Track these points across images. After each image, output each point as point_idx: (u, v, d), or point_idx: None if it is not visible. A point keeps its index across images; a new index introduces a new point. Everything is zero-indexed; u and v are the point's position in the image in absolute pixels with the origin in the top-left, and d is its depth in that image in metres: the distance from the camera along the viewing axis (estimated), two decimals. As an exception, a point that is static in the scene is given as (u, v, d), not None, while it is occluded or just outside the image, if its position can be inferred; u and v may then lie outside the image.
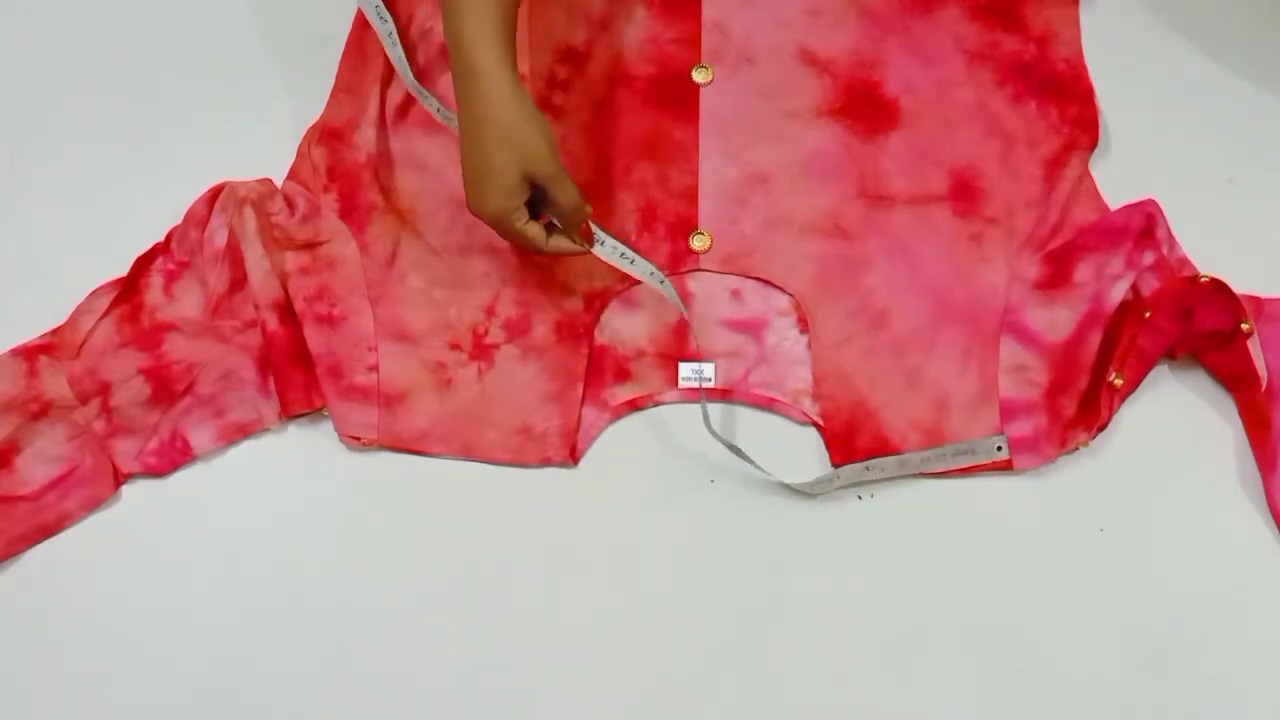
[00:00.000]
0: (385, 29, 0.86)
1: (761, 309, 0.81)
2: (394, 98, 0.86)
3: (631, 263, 0.77)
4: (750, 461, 0.74)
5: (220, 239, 0.79)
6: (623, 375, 0.79)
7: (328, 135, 0.85)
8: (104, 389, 0.77)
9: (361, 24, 0.89)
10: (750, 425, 0.77)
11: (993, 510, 0.75)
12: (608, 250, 0.77)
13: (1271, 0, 0.90)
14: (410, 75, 0.85)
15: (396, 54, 0.85)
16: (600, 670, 0.71)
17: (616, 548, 0.74)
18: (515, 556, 0.74)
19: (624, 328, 0.80)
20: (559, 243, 0.75)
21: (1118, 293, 0.77)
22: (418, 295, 0.81)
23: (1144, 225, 0.78)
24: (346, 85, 0.87)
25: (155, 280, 0.80)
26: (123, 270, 0.80)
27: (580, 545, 0.75)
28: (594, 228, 0.77)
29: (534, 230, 0.73)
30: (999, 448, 0.75)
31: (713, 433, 0.74)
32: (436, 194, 0.84)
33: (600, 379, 0.79)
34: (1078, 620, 0.72)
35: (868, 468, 0.75)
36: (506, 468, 0.77)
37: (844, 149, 0.84)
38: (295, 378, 0.77)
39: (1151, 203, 0.79)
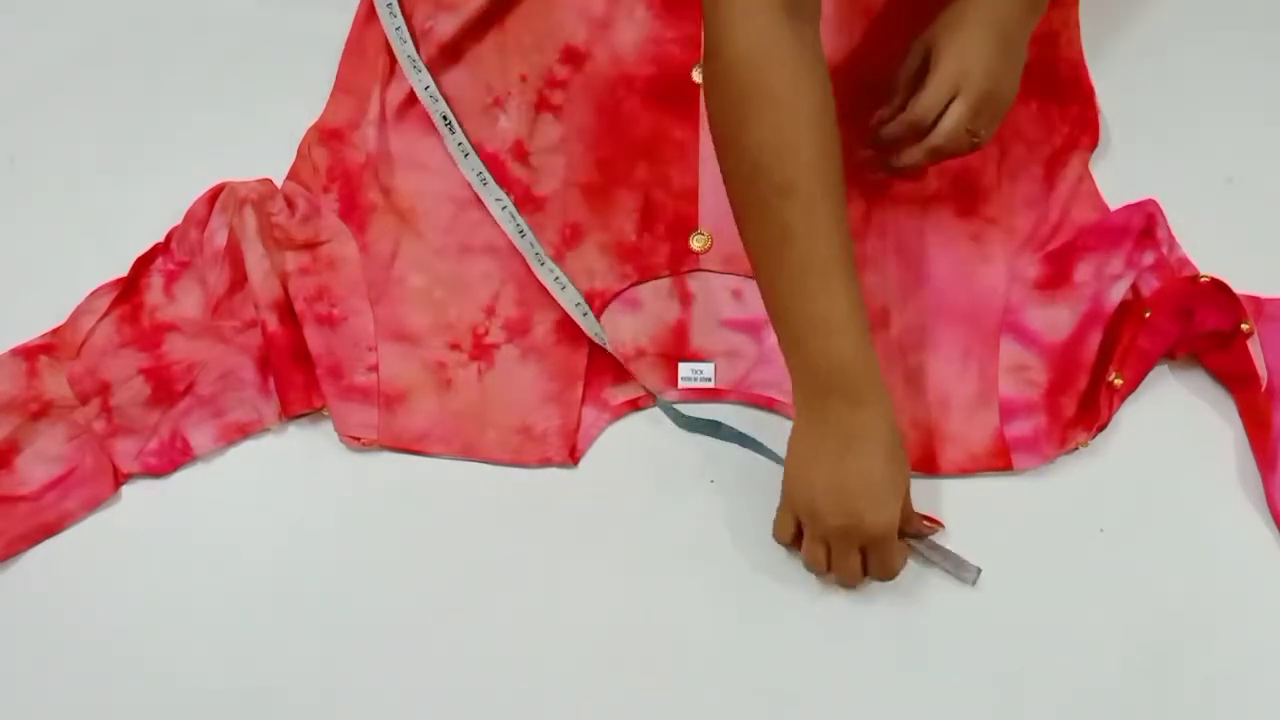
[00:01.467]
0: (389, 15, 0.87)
1: (761, 309, 0.80)
2: (394, 98, 0.86)
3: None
4: (734, 437, 0.74)
5: (220, 239, 0.79)
6: (623, 375, 0.79)
7: (328, 135, 0.85)
8: (104, 389, 0.77)
9: (362, 24, 0.89)
10: (749, 425, 0.77)
11: (993, 510, 0.75)
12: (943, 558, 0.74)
13: (1271, 0, 0.90)
14: (413, 49, 0.85)
15: (395, 23, 0.86)
16: (600, 670, 0.71)
17: (616, 548, 0.74)
18: (515, 556, 0.74)
19: (624, 327, 0.80)
20: (906, 552, 0.72)
21: (1118, 293, 0.77)
22: (418, 295, 0.81)
23: (1144, 225, 0.78)
24: (346, 85, 0.87)
25: (155, 280, 0.80)
26: (123, 270, 0.80)
27: (580, 545, 0.75)
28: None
29: (903, 546, 0.71)
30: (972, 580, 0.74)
31: (687, 424, 0.74)
32: (436, 194, 0.84)
33: (600, 379, 0.79)
34: (1078, 620, 0.72)
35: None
36: (506, 468, 0.77)
37: (845, 149, 0.84)
38: (295, 378, 0.77)
39: (1151, 203, 0.79)
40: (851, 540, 0.69)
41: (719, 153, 0.69)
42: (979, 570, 0.72)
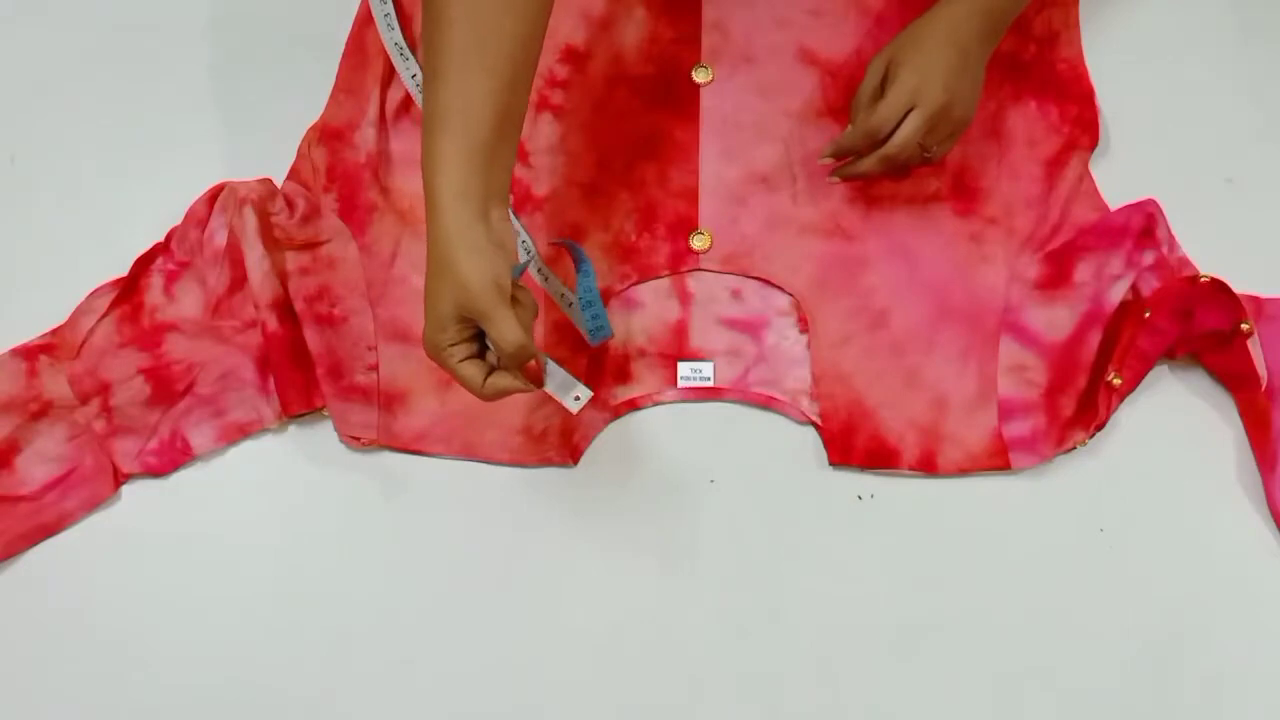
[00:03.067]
0: (383, 10, 0.87)
1: (761, 308, 0.80)
2: (394, 98, 0.86)
3: (576, 399, 0.69)
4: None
5: (220, 239, 0.79)
6: (623, 375, 0.79)
7: (328, 135, 0.85)
8: (104, 389, 0.77)
9: (362, 24, 0.89)
10: (749, 424, 0.77)
11: (993, 510, 0.75)
12: (557, 384, 0.69)
13: (1271, 0, 0.90)
14: (400, 35, 0.86)
15: (384, 10, 0.87)
16: (600, 670, 0.71)
17: (616, 548, 0.74)
18: (515, 556, 0.74)
19: (624, 328, 0.80)
20: (500, 381, 0.66)
21: (1117, 293, 0.77)
22: (418, 295, 0.81)
23: (1144, 225, 0.78)
24: (346, 85, 0.87)
25: (155, 280, 0.80)
26: (123, 270, 0.80)
27: (580, 545, 0.75)
28: (546, 361, 0.69)
29: (468, 370, 0.66)
30: (576, 397, 0.69)
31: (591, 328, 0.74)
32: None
33: (600, 379, 0.79)
34: (1078, 620, 0.72)
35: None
36: (506, 468, 0.77)
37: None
38: (295, 378, 0.77)
39: (1151, 202, 0.79)
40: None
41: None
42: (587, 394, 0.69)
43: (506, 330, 0.64)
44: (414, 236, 0.82)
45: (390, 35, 0.86)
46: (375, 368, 0.79)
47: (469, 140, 0.66)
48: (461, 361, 0.66)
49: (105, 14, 0.92)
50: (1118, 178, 0.82)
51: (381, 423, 0.77)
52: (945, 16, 0.77)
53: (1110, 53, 0.86)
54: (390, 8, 0.87)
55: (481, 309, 0.64)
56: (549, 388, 0.69)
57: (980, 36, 0.77)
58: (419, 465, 0.77)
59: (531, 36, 0.68)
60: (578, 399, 0.69)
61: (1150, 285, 0.77)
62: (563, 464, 0.77)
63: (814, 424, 0.77)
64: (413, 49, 0.87)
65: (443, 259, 0.65)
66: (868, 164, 0.77)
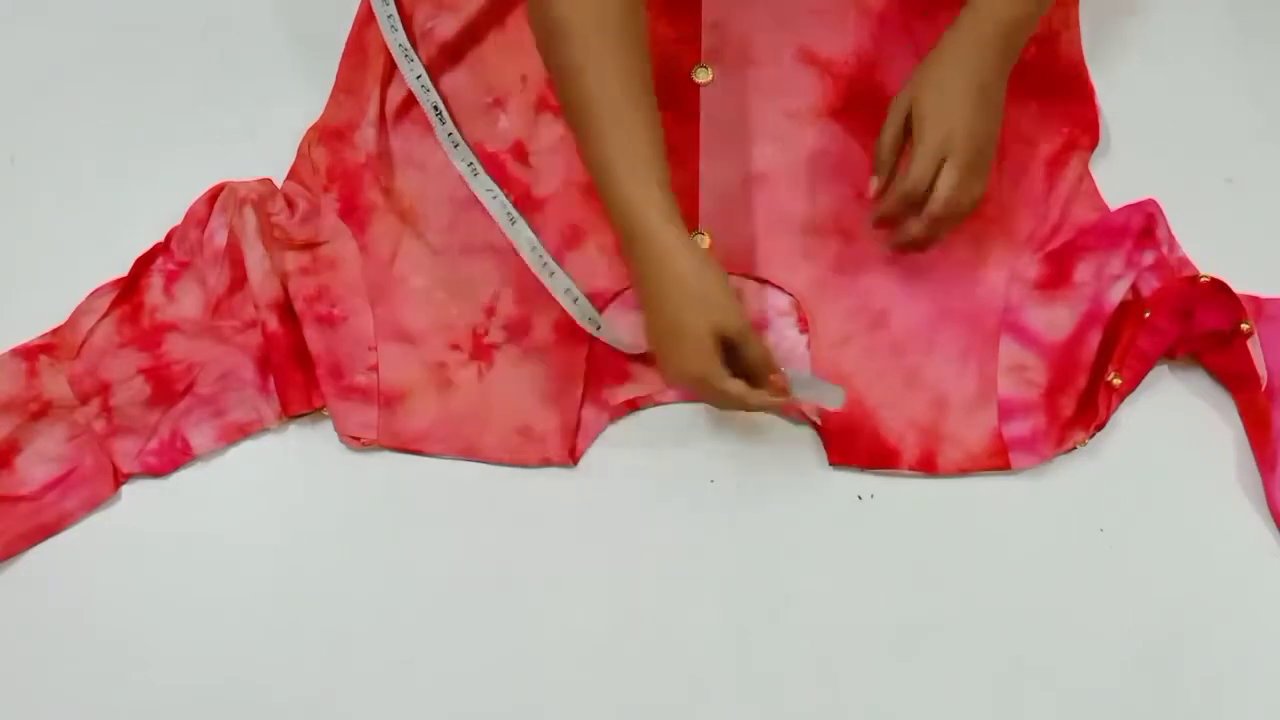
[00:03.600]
0: (385, 11, 0.87)
1: (761, 308, 0.80)
2: (394, 97, 0.86)
3: (834, 398, 0.74)
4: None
5: (220, 239, 0.79)
6: (622, 375, 0.79)
7: (328, 135, 0.85)
8: (104, 389, 0.77)
9: (362, 24, 0.89)
10: (749, 425, 0.77)
11: (993, 510, 0.75)
12: (806, 391, 0.74)
13: (1271, 0, 0.90)
14: (404, 37, 0.86)
15: (387, 11, 0.87)
16: (600, 670, 0.71)
17: (616, 547, 0.74)
18: (515, 556, 0.74)
19: (624, 328, 0.80)
20: (761, 398, 0.70)
21: (1117, 293, 0.77)
22: (418, 295, 0.81)
23: (1144, 225, 0.78)
24: (346, 85, 0.87)
25: (155, 280, 0.80)
26: (123, 270, 0.80)
27: (580, 545, 0.75)
28: (788, 372, 0.73)
29: (738, 386, 0.69)
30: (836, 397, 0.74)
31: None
32: (436, 194, 0.84)
33: (600, 379, 0.79)
34: (1078, 620, 0.72)
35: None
36: (506, 468, 0.77)
37: (844, 149, 0.84)
38: (295, 378, 0.77)
39: (1151, 202, 0.79)
40: (688, 388, 0.71)
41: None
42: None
43: (759, 346, 0.70)
44: (414, 236, 0.82)
45: (394, 37, 0.86)
46: (375, 368, 0.79)
47: (660, 179, 0.70)
48: (729, 381, 0.69)
49: (105, 14, 0.92)
50: (1118, 178, 0.82)
51: (381, 423, 0.77)
52: (960, 52, 0.74)
53: (1110, 53, 0.87)
54: (393, 9, 0.87)
55: (740, 329, 0.69)
56: (800, 395, 0.74)
57: (998, 67, 0.75)
58: (419, 465, 0.77)
59: (648, 64, 0.72)
60: (835, 398, 0.73)
61: (1150, 285, 0.77)
62: (563, 464, 0.77)
63: (813, 424, 0.77)
64: (415, 49, 0.87)
65: (690, 289, 0.68)
66: (917, 229, 0.75)
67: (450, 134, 0.84)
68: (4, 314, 0.80)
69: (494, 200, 0.82)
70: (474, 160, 0.83)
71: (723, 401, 0.71)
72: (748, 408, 0.71)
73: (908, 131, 0.75)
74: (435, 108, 0.85)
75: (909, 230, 0.75)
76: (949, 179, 0.73)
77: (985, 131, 0.74)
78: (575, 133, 0.72)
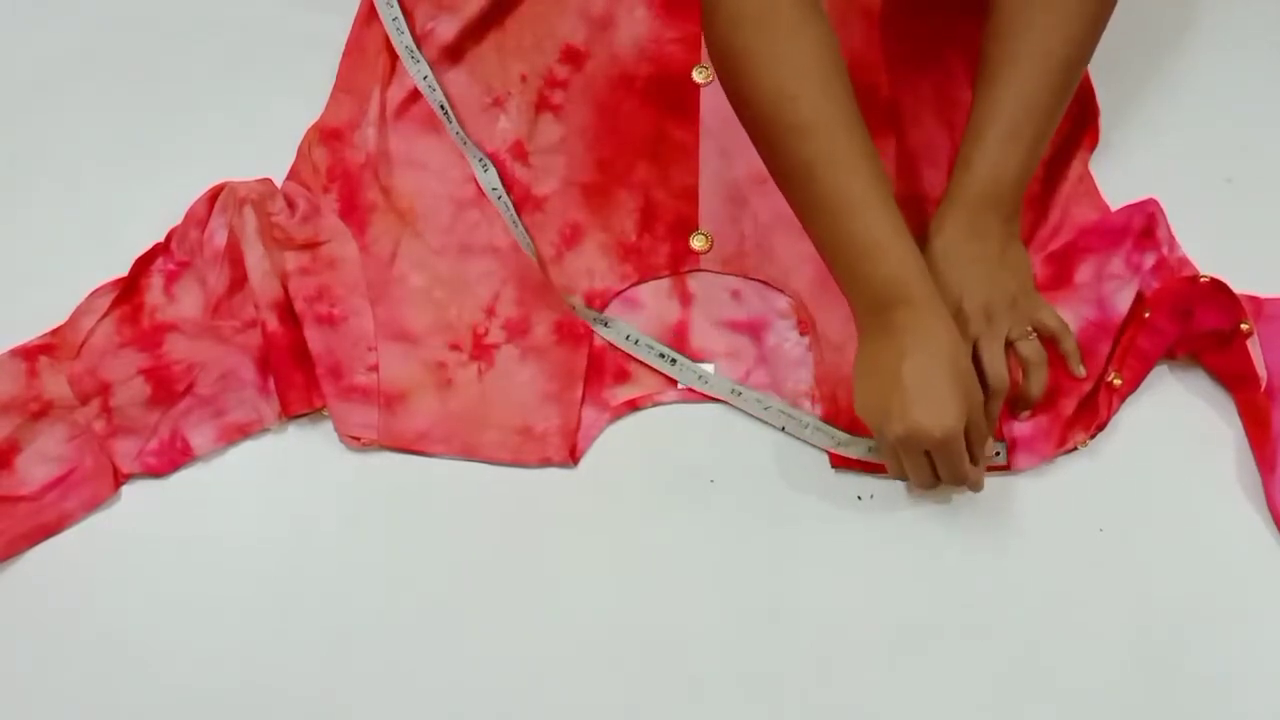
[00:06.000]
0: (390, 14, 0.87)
1: (762, 310, 0.80)
2: (394, 97, 0.86)
3: (996, 454, 0.75)
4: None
5: (220, 239, 0.79)
6: (622, 375, 0.79)
7: (328, 135, 0.85)
8: (104, 389, 0.77)
9: (362, 24, 0.89)
10: (749, 424, 0.77)
11: (993, 510, 0.75)
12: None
13: (1271, 0, 0.90)
14: (410, 39, 0.86)
15: (392, 14, 0.87)
16: (600, 670, 0.71)
17: (616, 548, 0.74)
18: (515, 556, 0.74)
19: (624, 328, 0.80)
20: (977, 475, 0.71)
21: (1119, 294, 0.76)
22: (418, 295, 0.81)
23: (1144, 225, 0.78)
24: (346, 85, 0.87)
25: (155, 280, 0.80)
26: (123, 270, 0.80)
27: (580, 545, 0.75)
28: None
29: (968, 464, 0.70)
30: (997, 453, 0.75)
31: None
32: (436, 194, 0.84)
33: (600, 379, 0.79)
34: (1078, 620, 0.72)
35: (870, 448, 0.74)
36: (506, 468, 0.77)
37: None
38: (295, 378, 0.77)
39: (1152, 202, 0.79)
40: (916, 443, 0.68)
41: (733, 107, 0.72)
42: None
43: (983, 435, 0.71)
44: (414, 236, 0.82)
45: (400, 39, 0.86)
46: (375, 368, 0.79)
47: (914, 246, 0.70)
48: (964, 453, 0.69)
49: (105, 14, 0.92)
50: (1118, 178, 0.82)
51: (381, 423, 0.77)
52: (955, 223, 0.74)
53: (1110, 53, 0.86)
54: (398, 11, 0.87)
55: (978, 404, 0.69)
56: (801, 433, 0.76)
57: (1000, 229, 0.74)
58: (419, 465, 0.77)
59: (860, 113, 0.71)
60: (997, 454, 0.75)
61: (1150, 285, 0.77)
62: (563, 464, 0.77)
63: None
64: (420, 50, 0.87)
65: (959, 370, 0.68)
66: (990, 411, 0.73)
67: (457, 132, 0.84)
68: (4, 314, 0.80)
69: (499, 200, 0.82)
70: (483, 157, 0.83)
71: (955, 470, 0.70)
72: (960, 479, 0.70)
73: None
74: (441, 107, 0.85)
75: (989, 417, 0.73)
76: (991, 354, 0.73)
77: (1004, 295, 0.73)
78: (822, 217, 0.70)
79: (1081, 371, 0.74)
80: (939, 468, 0.70)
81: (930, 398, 0.67)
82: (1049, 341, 0.75)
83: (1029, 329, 0.74)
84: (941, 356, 0.68)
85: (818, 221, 0.71)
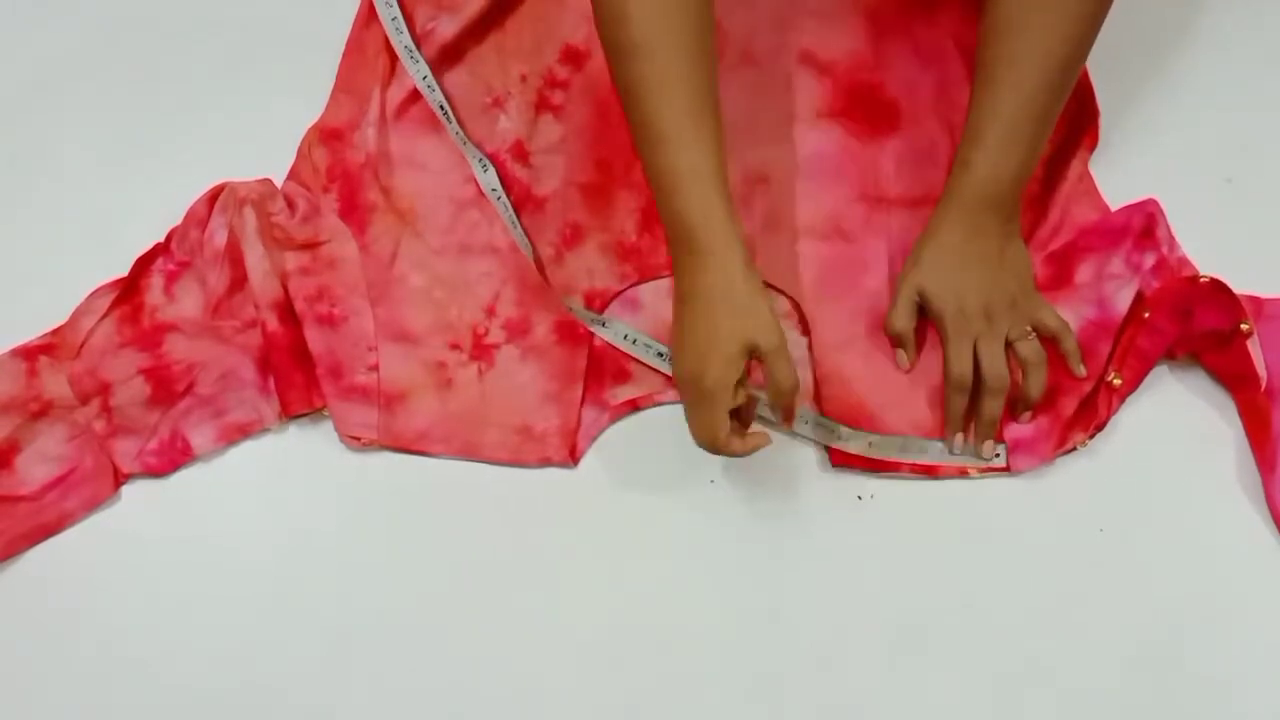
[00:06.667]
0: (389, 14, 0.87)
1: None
2: (394, 97, 0.86)
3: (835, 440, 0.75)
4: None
5: (220, 239, 0.79)
6: (623, 375, 0.79)
7: (328, 135, 0.85)
8: (104, 389, 0.77)
9: (362, 24, 0.89)
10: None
11: (993, 510, 0.75)
12: (810, 429, 0.76)
13: (1271, 1, 0.90)
14: (409, 39, 0.86)
15: (391, 14, 0.87)
16: (600, 670, 0.71)
17: (616, 548, 0.74)
18: (515, 556, 0.74)
19: (624, 328, 0.80)
20: (738, 446, 0.70)
21: (1119, 294, 0.77)
22: (418, 295, 0.81)
23: (1144, 225, 0.78)
24: (346, 85, 0.87)
25: (155, 280, 0.80)
26: (123, 270, 0.80)
27: (580, 545, 0.75)
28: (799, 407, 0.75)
29: (727, 425, 0.70)
30: (997, 454, 0.75)
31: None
32: (436, 194, 0.84)
33: (600, 379, 0.79)
34: (1078, 620, 0.72)
35: (870, 443, 0.75)
36: (507, 468, 0.77)
37: (844, 151, 0.84)
38: (295, 378, 0.77)
39: (1152, 202, 0.79)
40: (684, 394, 0.69)
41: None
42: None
43: (790, 368, 0.69)
44: (414, 236, 0.82)
45: (400, 39, 0.86)
46: (375, 368, 0.79)
47: (722, 190, 0.69)
48: (725, 414, 0.69)
49: (105, 14, 0.92)
50: (1118, 178, 0.82)
51: (382, 422, 0.77)
52: (957, 229, 0.74)
53: (1110, 53, 0.86)
54: (397, 11, 0.87)
55: (775, 344, 0.68)
56: (800, 429, 0.75)
57: (999, 228, 0.74)
58: (419, 465, 0.77)
59: (715, 79, 0.71)
60: (997, 455, 0.75)
61: (1150, 285, 0.77)
62: (563, 464, 0.77)
63: (814, 424, 0.77)
64: (418, 49, 0.87)
65: (736, 302, 0.68)
66: (990, 410, 0.74)
67: (456, 133, 0.84)
68: (4, 314, 0.80)
69: (498, 200, 0.82)
70: (483, 157, 0.83)
71: (704, 423, 0.69)
72: (718, 448, 0.69)
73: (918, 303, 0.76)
74: (441, 107, 0.85)
75: (985, 416, 0.74)
76: (989, 353, 0.73)
77: (1004, 295, 0.74)
78: (640, 147, 0.71)
79: (1082, 371, 0.74)
80: (691, 418, 0.70)
81: (700, 349, 0.68)
82: (1049, 342, 0.75)
83: (1028, 329, 0.74)
84: (720, 310, 0.68)
85: (638, 149, 0.71)
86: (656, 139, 0.69)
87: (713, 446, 0.70)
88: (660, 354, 0.78)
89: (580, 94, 0.86)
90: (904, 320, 0.76)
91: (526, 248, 0.81)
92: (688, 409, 0.70)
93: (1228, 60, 0.88)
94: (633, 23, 0.68)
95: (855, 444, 0.75)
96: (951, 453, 0.75)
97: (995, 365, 0.73)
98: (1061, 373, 0.76)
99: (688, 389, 0.69)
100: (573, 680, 0.71)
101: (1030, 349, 0.74)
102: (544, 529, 0.75)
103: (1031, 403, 0.74)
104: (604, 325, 0.79)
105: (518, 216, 0.82)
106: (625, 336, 0.79)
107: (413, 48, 0.86)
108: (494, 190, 0.83)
